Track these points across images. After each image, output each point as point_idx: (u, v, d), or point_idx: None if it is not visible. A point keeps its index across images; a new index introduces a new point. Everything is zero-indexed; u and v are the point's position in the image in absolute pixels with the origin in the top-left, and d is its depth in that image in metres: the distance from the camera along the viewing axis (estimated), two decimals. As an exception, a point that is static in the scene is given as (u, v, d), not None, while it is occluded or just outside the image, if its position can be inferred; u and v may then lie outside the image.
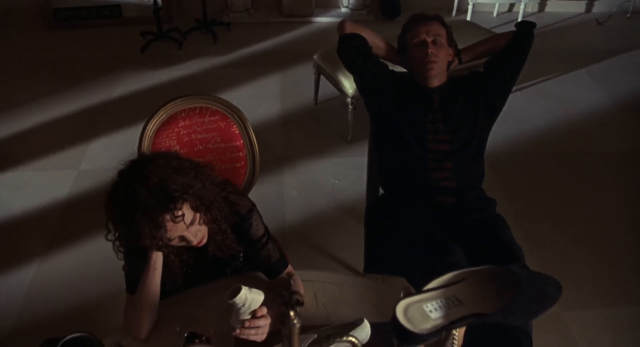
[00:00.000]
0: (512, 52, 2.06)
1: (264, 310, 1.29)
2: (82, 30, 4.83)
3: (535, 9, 5.23)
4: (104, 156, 3.40)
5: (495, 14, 5.18)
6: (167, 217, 1.30)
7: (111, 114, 3.80)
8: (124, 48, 4.57)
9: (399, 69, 2.17)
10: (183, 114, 1.96)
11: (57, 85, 4.08)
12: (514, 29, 2.10)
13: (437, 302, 0.80)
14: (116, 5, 4.83)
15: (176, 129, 1.97)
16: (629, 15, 5.18)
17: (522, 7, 4.58)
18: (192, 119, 1.97)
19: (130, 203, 1.29)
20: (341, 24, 2.09)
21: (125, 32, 4.77)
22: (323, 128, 3.72)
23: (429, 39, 2.03)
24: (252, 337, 1.30)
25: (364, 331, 1.25)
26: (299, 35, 4.95)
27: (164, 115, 1.95)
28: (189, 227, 1.35)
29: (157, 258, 1.44)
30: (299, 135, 3.64)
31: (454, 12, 5.15)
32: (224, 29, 4.83)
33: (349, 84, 3.32)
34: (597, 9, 5.23)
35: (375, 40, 2.11)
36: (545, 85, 4.17)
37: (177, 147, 1.97)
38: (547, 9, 5.29)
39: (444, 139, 1.99)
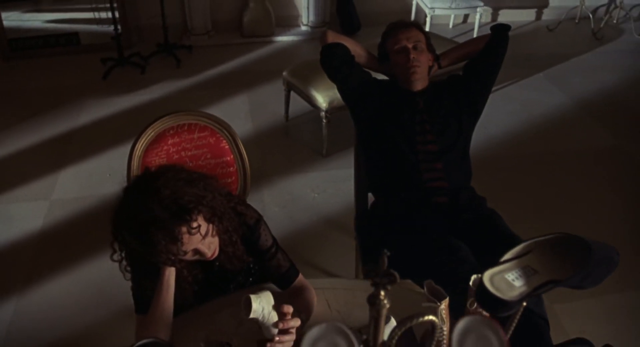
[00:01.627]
0: (490, 54, 2.13)
1: (290, 307, 1.28)
2: (40, 60, 4.72)
3: (489, 19, 5.41)
4: (76, 184, 3.31)
5: (451, 25, 5.34)
6: (184, 229, 1.27)
7: (79, 142, 3.71)
8: (85, 76, 4.49)
9: (381, 76, 2.20)
10: (172, 132, 1.94)
11: (18, 116, 3.96)
12: (489, 32, 2.17)
13: (515, 272, 0.82)
14: (74, 33, 4.75)
15: (165, 147, 1.94)
16: (577, 21, 5.42)
17: (477, 17, 4.73)
18: (181, 136, 1.95)
19: (144, 218, 1.26)
20: (323, 35, 2.12)
21: (84, 59, 4.69)
22: (297, 144, 3.73)
23: (410, 45, 2.07)
24: (288, 339, 1.29)
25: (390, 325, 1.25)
26: (262, 55, 4.97)
27: (152, 133, 1.92)
28: (203, 239, 1.32)
29: (170, 274, 1.41)
30: (274, 153, 3.63)
31: (411, 26, 5.27)
32: (185, 52, 4.80)
33: (322, 98, 3.35)
34: (546, 16, 5.46)
35: (356, 49, 2.14)
36: (507, 91, 4.30)
37: (167, 166, 1.93)
38: (500, 18, 5.49)
39: (432, 139, 2.03)
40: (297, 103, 3.86)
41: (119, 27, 4.44)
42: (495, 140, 3.71)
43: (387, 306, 0.62)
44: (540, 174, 3.44)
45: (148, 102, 4.17)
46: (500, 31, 2.13)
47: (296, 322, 1.29)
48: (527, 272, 0.84)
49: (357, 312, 1.48)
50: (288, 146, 3.70)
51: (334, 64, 2.10)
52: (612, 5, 5.47)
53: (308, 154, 3.61)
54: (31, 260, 2.80)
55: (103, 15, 4.65)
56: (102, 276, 2.70)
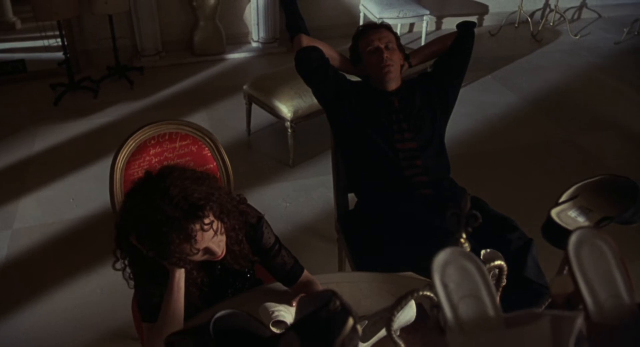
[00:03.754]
0: (458, 51, 2.21)
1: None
2: (-16, 90, 4.55)
3: (434, 28, 5.60)
4: (38, 212, 3.19)
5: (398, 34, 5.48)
6: (197, 226, 1.25)
7: (36, 170, 3.58)
8: (35, 102, 4.35)
9: (354, 78, 2.25)
10: (153, 142, 1.91)
11: (-33, 147, 3.80)
12: (455, 30, 2.26)
13: (574, 211, 0.87)
14: (19, 60, 4.61)
15: (147, 158, 1.91)
16: (516, 25, 5.68)
17: (424, 25, 4.89)
18: (163, 145, 1.92)
19: (156, 219, 1.24)
20: (297, 39, 2.15)
21: (32, 86, 4.55)
22: (262, 157, 3.72)
23: (382, 45, 2.13)
24: None
25: (412, 309, 1.27)
26: (214, 73, 4.96)
27: (133, 144, 1.89)
28: (215, 236, 1.31)
29: (180, 277, 1.38)
30: (240, 168, 3.60)
31: (360, 37, 5.39)
32: (138, 74, 4.74)
33: (286, 109, 3.36)
34: (487, 22, 5.69)
35: (330, 52, 2.18)
36: (461, 93, 4.39)
37: (151, 177, 1.90)
38: (444, 26, 5.68)
39: (410, 137, 2.08)
40: (258, 117, 3.87)
41: (67, 52, 4.34)
42: (456, 141, 3.81)
43: (469, 248, 0.64)
44: (500, 169, 3.56)
45: (104, 125, 4.08)
46: (466, 28, 2.22)
47: None
48: (584, 211, 0.89)
49: (364, 303, 1.50)
50: (253, 160, 3.69)
51: (310, 67, 2.13)
52: (547, 9, 5.76)
53: (274, 165, 3.61)
54: (-2, 292, 2.67)
55: (52, 42, 4.54)
56: (76, 302, 2.61)
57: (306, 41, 2.13)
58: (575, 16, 6.04)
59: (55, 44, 4.53)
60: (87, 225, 3.10)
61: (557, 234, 0.84)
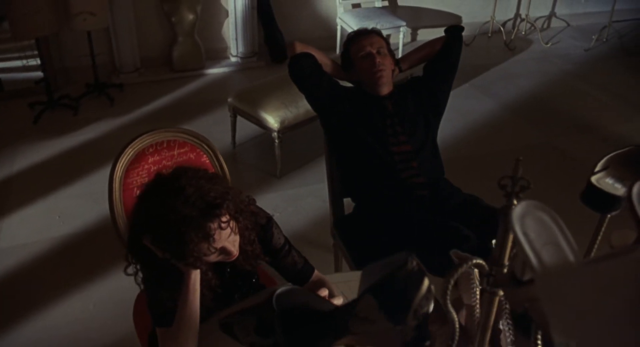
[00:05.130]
0: (447, 54, 2.26)
1: (325, 290, 1.29)
2: (-40, 110, 4.46)
3: (409, 39, 5.69)
4: (23, 231, 3.12)
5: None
6: (215, 225, 1.25)
7: (18, 189, 3.51)
8: (14, 122, 4.28)
9: (347, 84, 2.28)
10: (151, 150, 1.90)
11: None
12: (444, 34, 2.31)
13: (610, 178, 0.90)
14: (-5, 79, 4.54)
15: (146, 166, 1.90)
16: (489, 35, 5.82)
17: (401, 36, 4.97)
18: (161, 153, 1.92)
19: (173, 219, 1.23)
20: (291, 46, 2.17)
21: (10, 106, 4.47)
22: (249, 168, 3.72)
23: (374, 50, 2.16)
24: None
25: (431, 302, 1.26)
26: (195, 88, 4.95)
27: (132, 152, 1.87)
28: (229, 236, 1.31)
29: (196, 279, 1.36)
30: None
31: (337, 50, 5.45)
32: (117, 91, 4.70)
33: (273, 119, 3.38)
34: (461, 32, 5.81)
35: (322, 59, 2.21)
36: (440, 101, 4.52)
37: (149, 185, 1.89)
38: (419, 38, 5.78)
39: (405, 139, 2.11)
40: (242, 129, 3.87)
41: (46, 69, 4.30)
42: (441, 146, 3.87)
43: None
44: (483, 173, 3.61)
45: (86, 142, 4.03)
46: (454, 32, 2.27)
47: (339, 300, 1.30)
48: (617, 179, 0.93)
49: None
50: (240, 171, 3.69)
51: (303, 73, 2.15)
52: (519, 19, 5.91)
53: (262, 176, 3.61)
54: (-13, 313, 2.60)
55: (31, 61, 4.50)
56: (69, 319, 2.56)
57: (300, 47, 2.16)
58: (545, 25, 6.21)
59: (34, 63, 4.48)
60: (75, 242, 3.05)
61: (599, 199, 0.88)
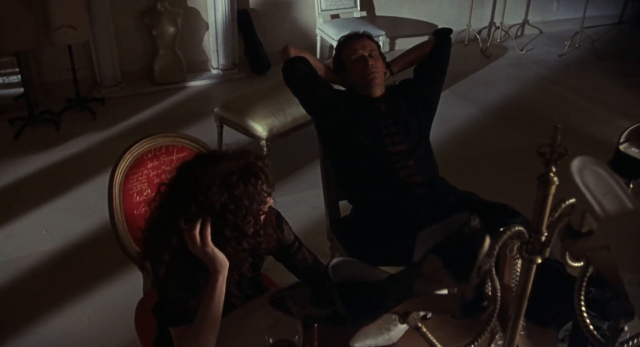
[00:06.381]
0: (437, 57, 2.30)
1: None
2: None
3: (388, 48, 5.77)
4: (10, 246, 3.07)
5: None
6: (264, 163, 1.36)
7: (3, 205, 3.44)
8: (-6, 139, 4.22)
9: (339, 87, 2.31)
10: (150, 155, 1.90)
11: None
12: (433, 37, 2.36)
13: (635, 148, 0.93)
14: (-28, 96, 4.47)
15: (145, 171, 1.90)
16: (466, 43, 5.94)
17: (380, 45, 5.03)
18: (160, 158, 1.92)
19: (227, 170, 1.31)
20: (285, 50, 2.19)
21: (-11, 122, 4.41)
22: (236, 177, 3.72)
23: (366, 53, 2.20)
24: None
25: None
26: (176, 101, 4.94)
27: (130, 158, 1.87)
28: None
29: (223, 279, 1.35)
30: (215, 189, 3.60)
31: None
32: (99, 105, 4.67)
33: (261, 127, 3.39)
34: (438, 41, 5.92)
35: (316, 63, 2.24)
36: (422, 108, 4.59)
37: (149, 190, 1.90)
38: (397, 47, 5.87)
39: (400, 140, 2.15)
40: (228, 139, 3.87)
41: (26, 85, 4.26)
42: (424, 151, 3.94)
43: (557, 183, 0.68)
44: (468, 176, 3.67)
45: (69, 157, 3.99)
46: (443, 34, 2.32)
47: None
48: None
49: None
50: (228, 181, 3.68)
51: (298, 77, 2.17)
52: (493, 27, 6.05)
53: (250, 185, 3.61)
54: (-22, 329, 2.54)
55: (12, 78, 4.45)
56: (64, 331, 2.52)
57: (294, 52, 2.19)
58: (519, 32, 6.37)
59: (15, 79, 4.43)
60: (64, 256, 3.01)
61: (628, 165, 0.92)
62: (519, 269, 0.85)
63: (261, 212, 1.36)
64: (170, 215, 1.32)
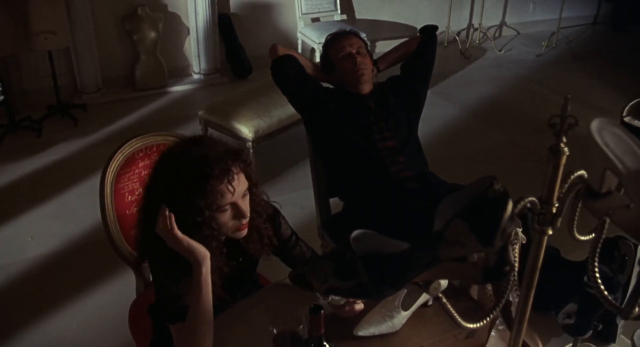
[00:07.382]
0: (423, 53, 2.33)
1: None
2: None
3: (369, 51, 5.82)
4: (-6, 253, 3.03)
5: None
6: (237, 168, 1.31)
7: (-15, 213, 3.40)
8: (-26, 146, 4.15)
9: (327, 85, 2.32)
10: (141, 154, 1.89)
11: None
12: (419, 34, 2.39)
13: (637, 121, 0.96)
14: (-50, 105, 4.39)
15: (137, 170, 1.88)
16: (445, 45, 6.01)
17: (362, 47, 5.07)
18: (152, 157, 1.91)
19: (195, 157, 1.29)
20: (273, 48, 2.20)
21: (-32, 131, 4.34)
22: (223, 180, 3.71)
23: (354, 50, 2.22)
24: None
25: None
26: (158, 106, 4.91)
27: (121, 157, 1.86)
28: (244, 196, 1.34)
29: (207, 271, 1.34)
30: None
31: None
32: (80, 111, 4.62)
33: (247, 129, 3.39)
34: (418, 43, 5.99)
35: (304, 61, 2.25)
36: (405, 108, 4.63)
37: (141, 190, 1.88)
38: (377, 50, 5.91)
39: (389, 135, 2.17)
40: (214, 142, 3.86)
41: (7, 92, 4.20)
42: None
43: (567, 153, 0.70)
44: (453, 174, 3.70)
45: (52, 163, 3.94)
46: (429, 31, 2.35)
47: (360, 305, 1.33)
48: None
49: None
50: (215, 184, 3.67)
51: (287, 75, 2.18)
52: (472, 29, 6.14)
53: (237, 188, 3.60)
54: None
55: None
56: (51, 339, 2.49)
57: (282, 50, 2.19)
58: (497, 34, 6.46)
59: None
60: (50, 262, 2.97)
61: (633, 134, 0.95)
62: (517, 254, 0.86)
63: (215, 207, 1.33)
64: (150, 209, 1.33)
